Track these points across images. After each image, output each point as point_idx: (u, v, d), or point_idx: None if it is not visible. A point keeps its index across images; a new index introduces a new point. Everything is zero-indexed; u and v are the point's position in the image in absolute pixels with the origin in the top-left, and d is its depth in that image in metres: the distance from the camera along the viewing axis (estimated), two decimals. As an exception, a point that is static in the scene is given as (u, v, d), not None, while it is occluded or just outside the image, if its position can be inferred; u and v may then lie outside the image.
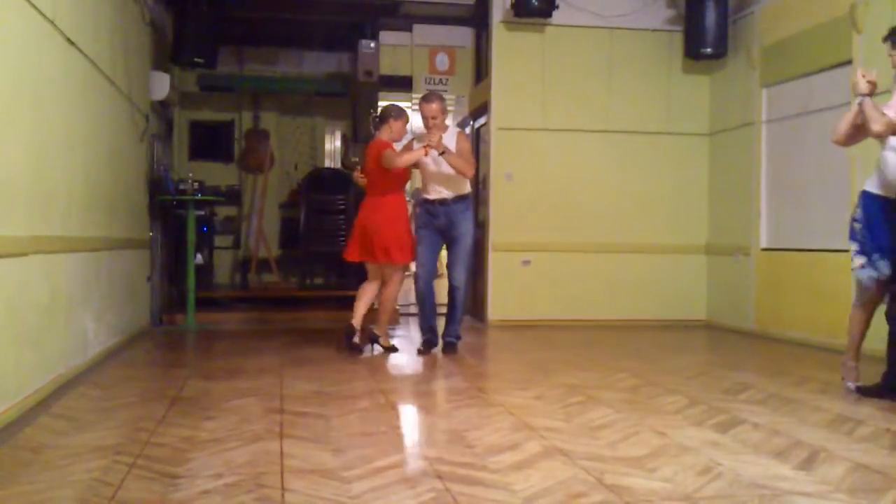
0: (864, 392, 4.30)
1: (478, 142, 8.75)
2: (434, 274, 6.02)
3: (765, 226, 7.31)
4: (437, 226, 5.84)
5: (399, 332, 7.35)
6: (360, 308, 5.85)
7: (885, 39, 4.28)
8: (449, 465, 2.89)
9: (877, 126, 3.98)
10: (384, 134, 5.80)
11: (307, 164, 10.78)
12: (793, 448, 3.20)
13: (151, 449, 3.10)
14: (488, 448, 3.15)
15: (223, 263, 10.30)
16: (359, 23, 9.20)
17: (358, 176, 5.87)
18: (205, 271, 8.81)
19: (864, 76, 4.09)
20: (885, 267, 4.25)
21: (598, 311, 7.95)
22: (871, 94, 4.08)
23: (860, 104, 4.08)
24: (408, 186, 6.25)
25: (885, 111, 4.02)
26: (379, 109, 6.05)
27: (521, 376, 5.03)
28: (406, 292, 8.29)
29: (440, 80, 9.07)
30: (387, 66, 8.94)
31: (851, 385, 4.43)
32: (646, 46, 8.10)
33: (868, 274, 4.30)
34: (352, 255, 5.86)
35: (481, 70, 8.72)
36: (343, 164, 10.64)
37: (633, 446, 3.20)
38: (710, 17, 7.54)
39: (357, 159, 9.84)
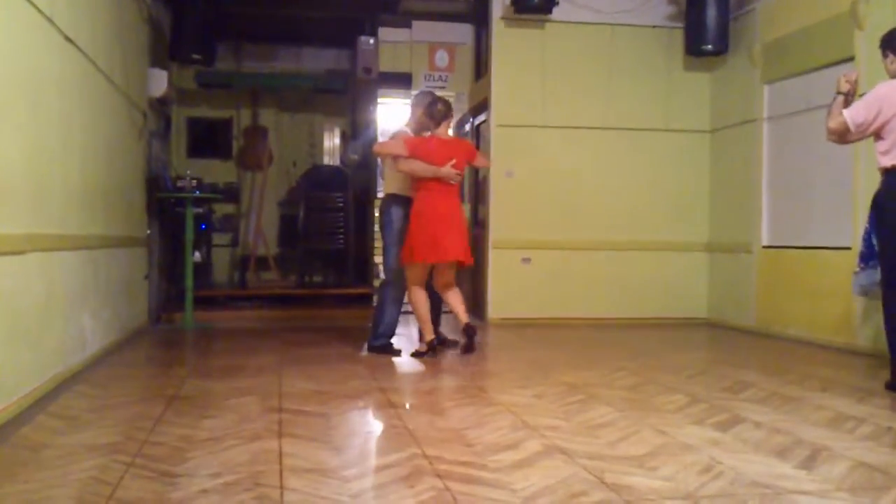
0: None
1: (478, 139, 8.74)
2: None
3: (766, 223, 7.29)
4: None
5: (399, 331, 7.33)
6: (429, 320, 5.66)
7: (880, 46, 4.40)
8: (448, 464, 2.88)
9: (831, 123, 4.27)
10: (445, 129, 5.65)
11: (306, 162, 10.76)
12: (794, 446, 3.19)
13: (149, 448, 3.09)
14: (488, 447, 3.14)
15: (221, 261, 10.29)
16: (358, 19, 9.19)
17: (457, 173, 5.52)
18: (203, 269, 8.80)
19: (844, 76, 4.33)
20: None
21: (599, 309, 7.93)
22: (848, 93, 4.28)
23: (833, 100, 4.32)
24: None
25: (844, 111, 4.22)
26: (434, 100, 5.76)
27: (521, 375, 5.02)
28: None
29: (440, 76, 9.07)
30: (386, 63, 8.94)
31: None
32: (646, 43, 8.08)
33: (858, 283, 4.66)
34: (423, 255, 5.45)
35: (481, 67, 8.70)
36: (342, 160, 10.62)
37: (634, 445, 3.19)
38: (711, 13, 7.52)
39: (356, 156, 9.82)
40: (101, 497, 2.50)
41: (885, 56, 4.34)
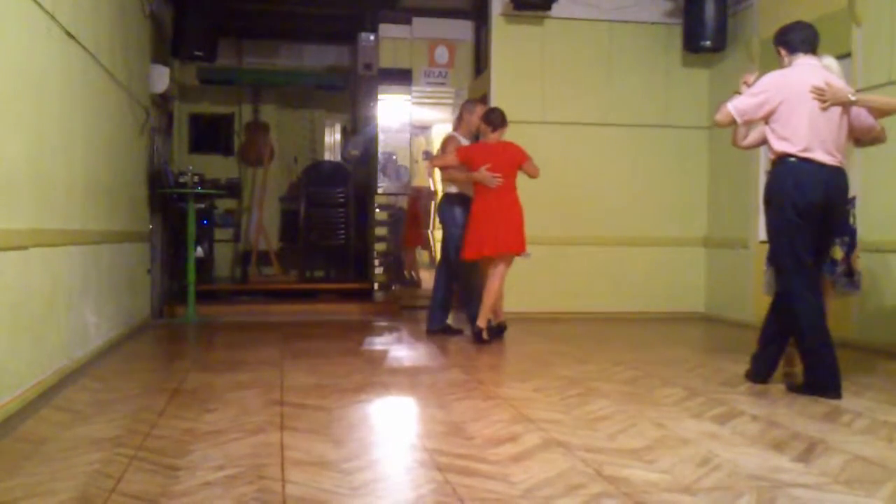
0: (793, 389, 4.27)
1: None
2: None
3: (763, 218, 7.29)
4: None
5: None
6: (489, 307, 6.11)
7: (773, 42, 4.36)
8: (448, 457, 2.90)
9: (717, 115, 4.26)
10: (498, 136, 6.09)
11: (307, 157, 10.79)
12: (791, 440, 3.21)
13: (152, 441, 3.12)
14: (487, 440, 3.17)
15: (223, 256, 10.31)
16: (358, 16, 9.20)
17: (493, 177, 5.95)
18: (205, 264, 8.83)
19: (743, 78, 4.33)
20: None
21: (597, 304, 7.95)
22: None
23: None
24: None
25: (728, 103, 4.20)
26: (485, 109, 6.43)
27: (521, 368, 5.04)
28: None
29: (440, 72, 9.07)
30: (386, 59, 8.94)
31: None
32: (645, 39, 8.09)
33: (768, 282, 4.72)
34: (488, 250, 5.97)
35: (480, 63, 8.71)
36: (343, 156, 10.65)
37: (632, 438, 3.22)
38: (709, 9, 7.54)
39: (357, 152, 9.84)
40: (105, 490, 2.52)
41: (777, 53, 4.31)
